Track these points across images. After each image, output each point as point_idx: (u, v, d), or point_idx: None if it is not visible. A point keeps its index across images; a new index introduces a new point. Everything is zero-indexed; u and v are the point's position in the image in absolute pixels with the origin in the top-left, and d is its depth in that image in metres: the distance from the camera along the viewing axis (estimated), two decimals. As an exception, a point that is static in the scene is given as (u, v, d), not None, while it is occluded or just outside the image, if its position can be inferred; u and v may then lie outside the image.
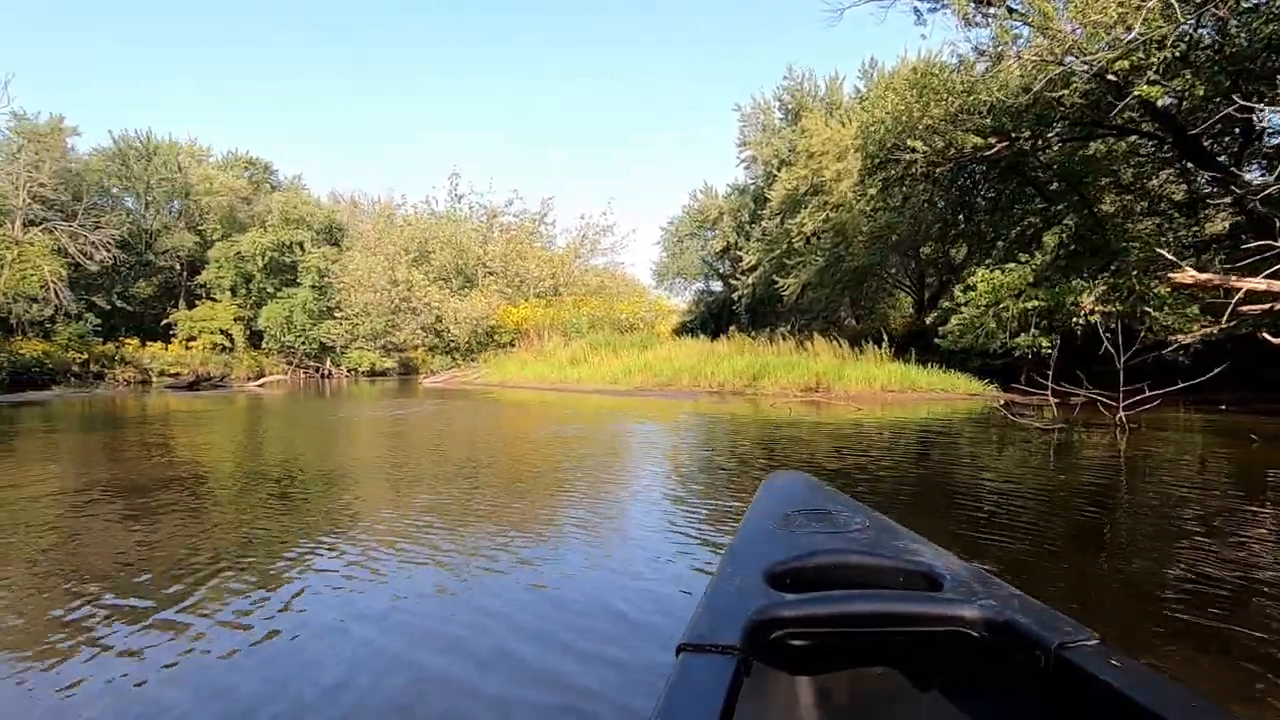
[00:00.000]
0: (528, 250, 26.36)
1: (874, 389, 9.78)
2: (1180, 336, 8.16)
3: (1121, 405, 5.98)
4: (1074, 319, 10.81)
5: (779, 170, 28.19)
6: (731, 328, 21.37)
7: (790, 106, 32.63)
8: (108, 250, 29.28)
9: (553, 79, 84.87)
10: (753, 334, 15.29)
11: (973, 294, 11.73)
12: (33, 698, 1.60)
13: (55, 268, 26.58)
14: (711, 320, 36.48)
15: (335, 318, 33.99)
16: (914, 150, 11.64)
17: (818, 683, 1.17)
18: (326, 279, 32.27)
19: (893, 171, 14.00)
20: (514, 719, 1.50)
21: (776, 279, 25.24)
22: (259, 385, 25.27)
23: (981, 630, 1.04)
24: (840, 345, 11.55)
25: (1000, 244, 13.57)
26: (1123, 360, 5.91)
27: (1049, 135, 11.57)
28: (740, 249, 31.94)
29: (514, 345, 21.96)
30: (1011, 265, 11.13)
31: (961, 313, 12.61)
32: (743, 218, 35.03)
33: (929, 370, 10.13)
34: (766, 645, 1.06)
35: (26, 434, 7.63)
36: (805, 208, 24.10)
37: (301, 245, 37.30)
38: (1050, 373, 6.10)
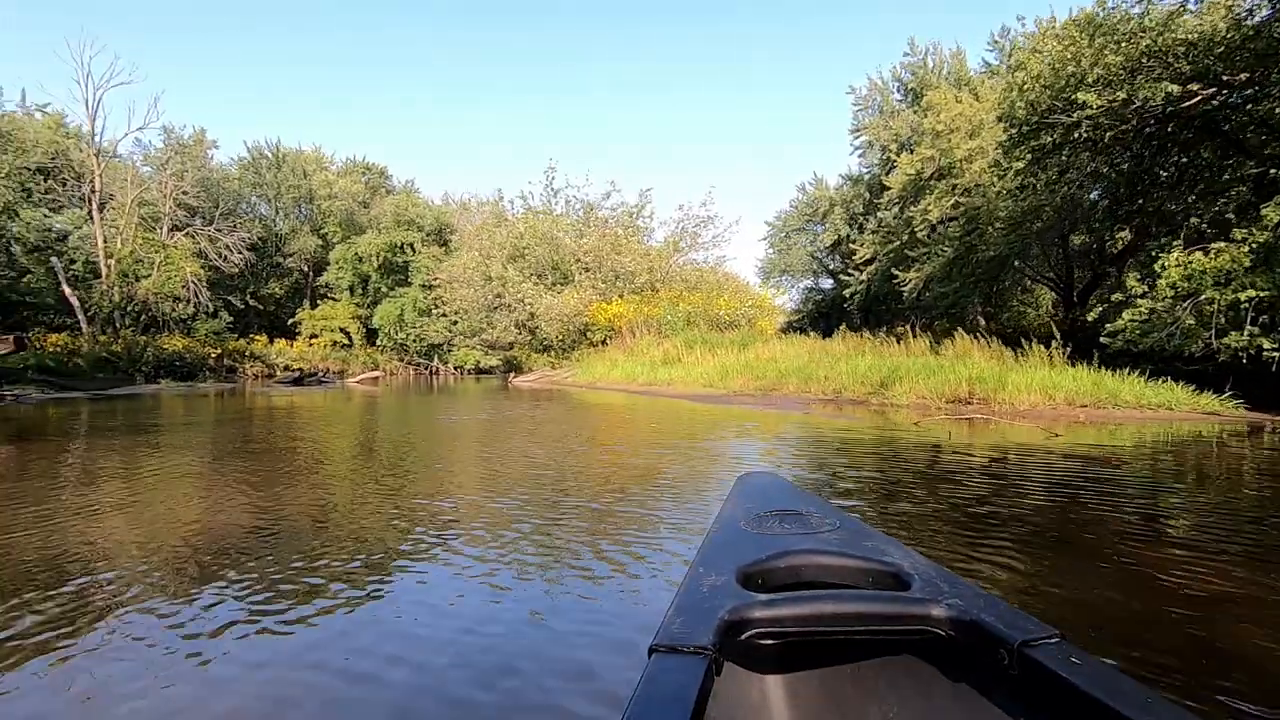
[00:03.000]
0: (623, 244, 25.41)
1: (1054, 403, 7.31)
2: None
3: None
4: (1309, 314, 8.34)
5: (898, 155, 25.82)
6: (842, 326, 19.41)
7: (911, 85, 30.02)
8: (240, 253, 31.45)
9: (665, 74, 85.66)
10: (867, 333, 13.31)
11: (1160, 282, 9.42)
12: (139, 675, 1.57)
13: (195, 269, 28.71)
14: (820, 319, 34.29)
15: (432, 315, 34.78)
16: (1084, 107, 9.48)
17: (788, 682, 1.17)
18: (433, 278, 33.05)
19: (1048, 139, 11.76)
20: None
21: (895, 273, 22.90)
22: (357, 381, 25.95)
23: (948, 629, 1.04)
24: (989, 344, 9.35)
25: (1194, 221, 10.98)
26: None
27: (1271, 79, 9.05)
28: (853, 242, 29.66)
29: (606, 343, 21.05)
30: (1220, 245, 8.75)
31: (1138, 306, 10.29)
32: (856, 208, 32.65)
33: (1130, 379, 7.51)
34: (738, 645, 1.05)
35: (82, 432, 7.39)
36: (930, 193, 21.66)
37: (412, 246, 38.68)
38: None
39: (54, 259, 25.93)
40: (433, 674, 1.56)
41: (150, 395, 14.88)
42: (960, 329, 10.56)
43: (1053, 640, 0.96)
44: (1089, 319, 12.08)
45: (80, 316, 24.68)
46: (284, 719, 1.40)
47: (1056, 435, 5.57)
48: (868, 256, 27.16)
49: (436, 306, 32.54)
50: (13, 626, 1.86)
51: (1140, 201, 11.57)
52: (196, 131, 32.22)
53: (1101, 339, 10.91)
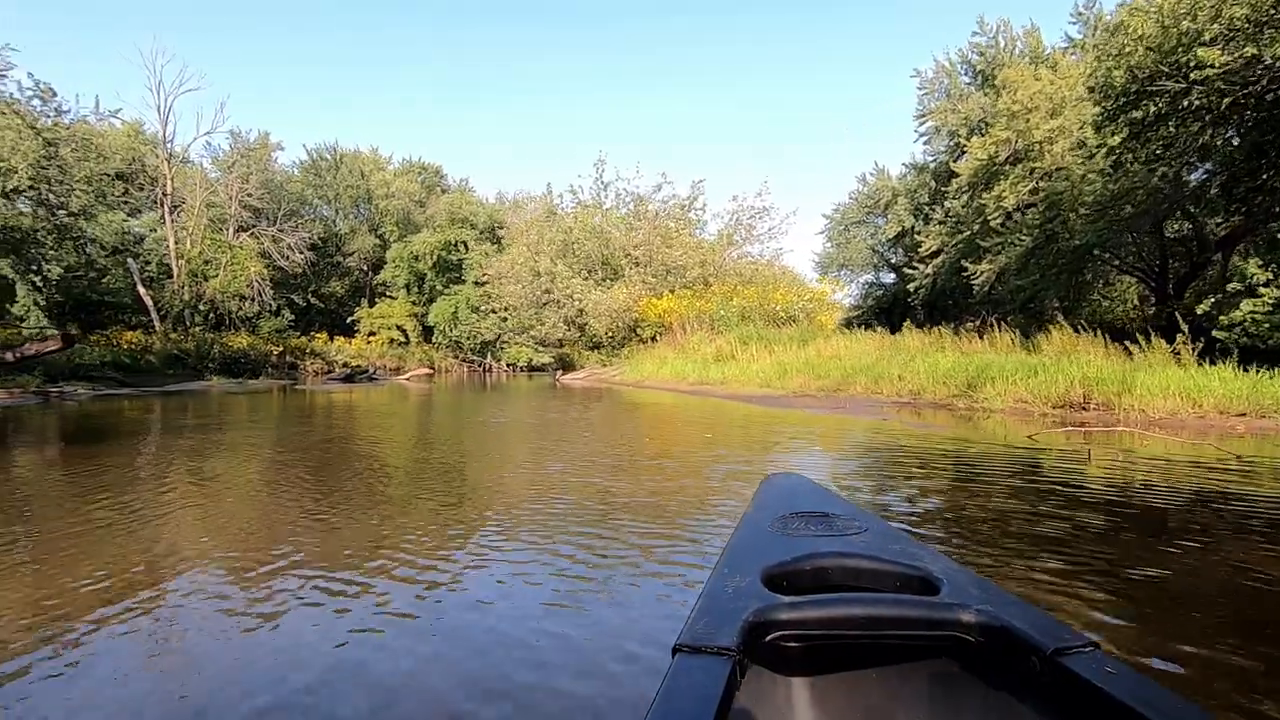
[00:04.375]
0: (674, 237, 24.69)
1: (1200, 410, 5.89)
2: None
3: None
4: None
5: (968, 139, 24.30)
6: (906, 322, 18.22)
7: (980, 67, 28.29)
8: (302, 253, 32.25)
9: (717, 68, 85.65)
10: (943, 328, 12.18)
11: (1294, 269, 8.21)
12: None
13: (260, 269, 29.53)
14: (881, 315, 32.82)
15: (481, 311, 34.80)
16: (1200, 68, 8.31)
17: (813, 685, 1.15)
18: (483, 274, 33.14)
19: (1150, 109, 10.52)
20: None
21: (965, 265, 21.50)
22: (408, 379, 26.11)
23: (977, 635, 1.02)
24: (1093, 339, 8.07)
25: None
26: None
27: None
28: (918, 233, 28.15)
29: (656, 340, 20.41)
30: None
31: (1262, 296, 9.06)
32: (921, 198, 31.04)
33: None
34: (762, 647, 1.04)
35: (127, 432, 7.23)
36: (1005, 178, 20.20)
37: (466, 244, 38.98)
38: None
39: (130, 260, 27.08)
40: (465, 671, 1.58)
41: (200, 392, 15.10)
42: (1063, 321, 9.38)
43: (1087, 649, 0.92)
44: (1199, 311, 10.79)
45: (153, 315, 25.66)
46: (320, 703, 1.44)
47: (1235, 456, 4.20)
48: (934, 248, 25.73)
49: (487, 302, 32.58)
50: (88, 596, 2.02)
51: (1265, 177, 10.20)
52: (261, 135, 33.17)
53: (1214, 334, 9.65)
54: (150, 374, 19.32)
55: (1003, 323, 17.15)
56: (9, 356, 8.87)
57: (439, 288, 39.87)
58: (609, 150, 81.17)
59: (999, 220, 20.29)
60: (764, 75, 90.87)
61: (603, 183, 28.74)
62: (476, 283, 35.95)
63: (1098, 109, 12.84)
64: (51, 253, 21.71)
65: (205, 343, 24.13)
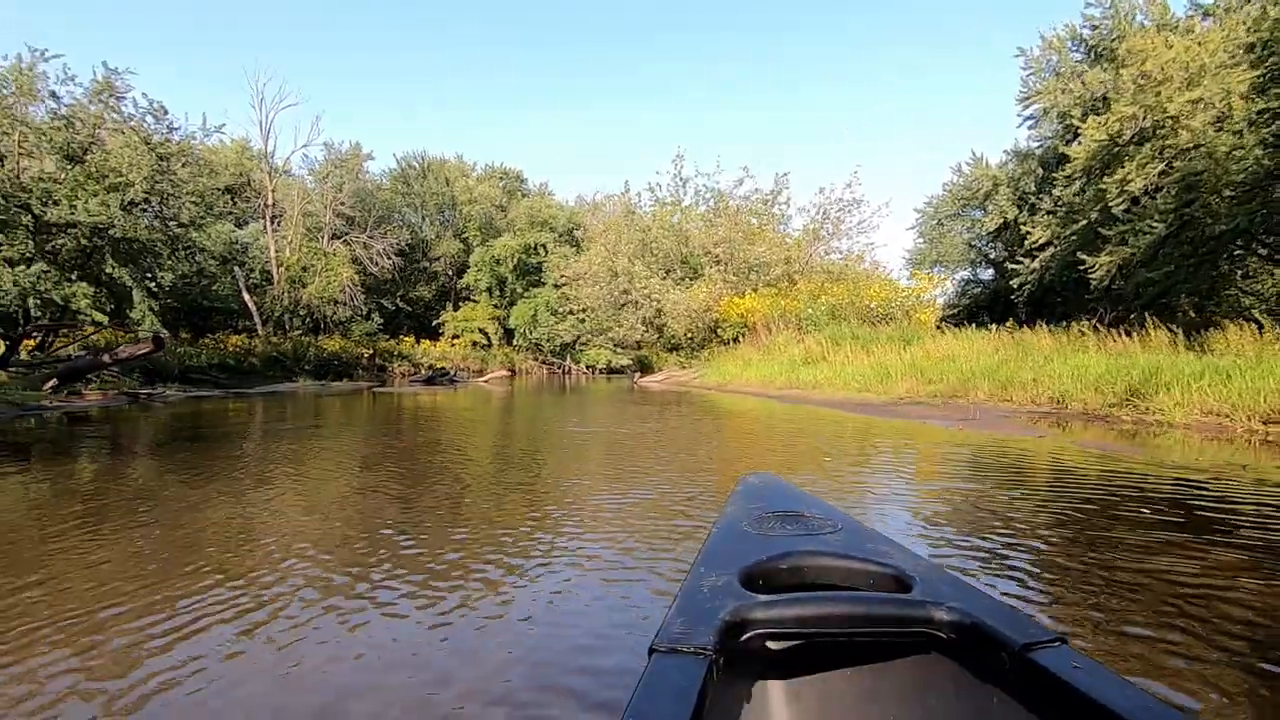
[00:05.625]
0: (757, 234, 23.68)
1: None
2: None
3: None
4: None
5: (1083, 120, 22.14)
6: (1009, 322, 16.63)
7: (1093, 42, 25.83)
8: (390, 259, 33.37)
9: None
10: (1091, 326, 10.74)
11: None
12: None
13: (351, 274, 30.72)
14: (980, 313, 30.57)
15: (559, 313, 34.82)
16: None
17: (788, 684, 1.15)
18: (561, 276, 33.23)
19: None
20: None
21: (1083, 257, 19.51)
22: (485, 381, 26.30)
23: (949, 631, 1.02)
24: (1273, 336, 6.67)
25: None
26: None
27: None
28: (1023, 225, 25.95)
29: (738, 341, 19.57)
30: None
31: None
32: (1026, 187, 28.72)
33: None
34: (738, 646, 1.04)
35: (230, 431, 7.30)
36: (1130, 160, 18.13)
37: (545, 247, 39.34)
38: None
39: (236, 268, 28.77)
40: (462, 672, 1.57)
41: (286, 394, 15.50)
42: (1238, 318, 7.89)
43: (1055, 644, 0.93)
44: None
45: (256, 320, 27.10)
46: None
47: None
48: (1042, 240, 23.65)
49: (565, 304, 32.64)
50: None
51: None
52: (353, 145, 34.58)
53: None
54: (250, 375, 20.30)
55: (1123, 321, 15.34)
56: (105, 359, 9.30)
57: (519, 291, 40.43)
58: (609, 150, 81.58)
59: (1122, 206, 18.27)
60: (764, 75, 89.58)
61: (681, 179, 28.09)
62: (555, 285, 36.18)
63: (1256, 72, 11.16)
64: (167, 262, 23.28)
65: (302, 345, 25.19)
